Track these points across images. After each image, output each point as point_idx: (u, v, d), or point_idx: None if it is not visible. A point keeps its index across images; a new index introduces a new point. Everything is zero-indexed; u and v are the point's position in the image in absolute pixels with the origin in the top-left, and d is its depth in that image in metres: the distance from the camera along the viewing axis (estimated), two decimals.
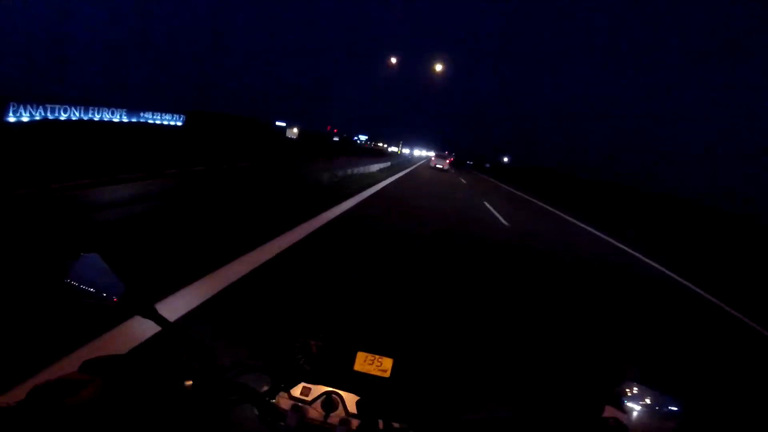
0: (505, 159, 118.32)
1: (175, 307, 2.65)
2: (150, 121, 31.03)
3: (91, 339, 2.09)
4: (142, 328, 2.17)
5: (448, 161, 38.87)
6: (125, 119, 28.48)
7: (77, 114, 23.98)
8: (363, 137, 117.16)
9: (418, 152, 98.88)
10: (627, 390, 0.67)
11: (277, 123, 51.70)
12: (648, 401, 0.65)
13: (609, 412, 0.67)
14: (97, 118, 26.10)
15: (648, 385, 0.67)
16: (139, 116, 29.79)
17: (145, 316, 0.73)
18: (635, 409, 0.65)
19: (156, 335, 2.13)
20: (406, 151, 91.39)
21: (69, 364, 1.83)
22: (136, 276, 0.82)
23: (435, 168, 35.67)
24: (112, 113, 27.65)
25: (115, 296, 0.70)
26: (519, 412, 0.69)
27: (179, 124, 33.80)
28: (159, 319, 0.72)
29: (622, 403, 0.66)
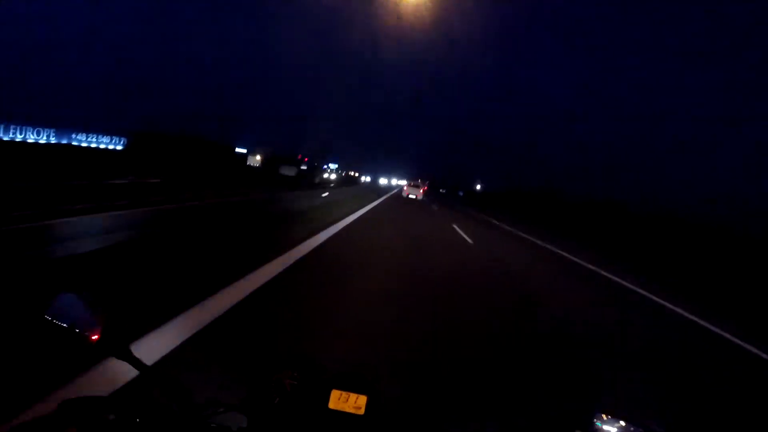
0: (478, 186, 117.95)
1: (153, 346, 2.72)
2: (83, 144, 27.28)
3: (68, 380, 2.11)
4: (121, 369, 2.03)
5: (422, 190, 36.52)
6: (53, 141, 24.74)
7: None
8: (333, 165, 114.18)
9: (384, 181, 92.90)
10: (597, 418, 0.69)
11: (238, 150, 48.12)
12: (617, 429, 0.68)
13: None
14: (19, 138, 22.38)
15: (619, 416, 0.69)
16: (70, 138, 26.06)
17: (120, 358, 0.74)
18: None
19: (134, 378, 2.10)
20: (366, 179, 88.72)
21: (45, 407, 1.39)
22: (112, 317, 0.72)
23: (407, 197, 33.37)
24: (38, 134, 23.91)
25: (92, 335, 0.70)
26: None
27: (119, 148, 30.03)
28: (134, 361, 0.74)
29: (592, 429, 0.68)
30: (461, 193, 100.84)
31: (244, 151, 48.98)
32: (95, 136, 28.60)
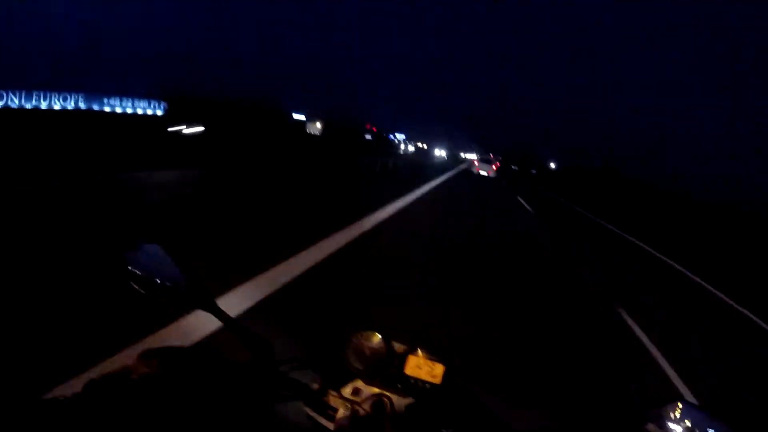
0: (552, 165, 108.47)
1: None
2: (117, 110, 25.72)
3: (150, 333, 2.20)
4: (201, 323, 2.25)
5: (494, 166, 32.93)
6: (82, 106, 23.16)
7: (17, 101, 19.07)
8: (401, 136, 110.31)
9: (441, 154, 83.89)
10: (672, 409, 0.67)
11: (295, 115, 45.76)
12: (693, 422, 0.65)
13: (651, 429, 0.67)
14: (44, 105, 20.86)
15: (697, 406, 0.66)
16: (102, 103, 24.48)
17: (206, 310, 0.75)
18: (678, 429, 0.64)
19: (215, 330, 2.19)
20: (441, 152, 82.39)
21: (129, 357, 1.17)
22: (195, 270, 0.74)
23: (477, 174, 30.80)
24: (65, 99, 21.91)
25: (178, 287, 0.72)
26: (568, 427, 1.01)
27: (159, 113, 28.31)
28: (218, 312, 0.75)
29: (665, 422, 0.66)
30: (534, 171, 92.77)
31: (302, 117, 46.50)
32: (131, 100, 26.80)
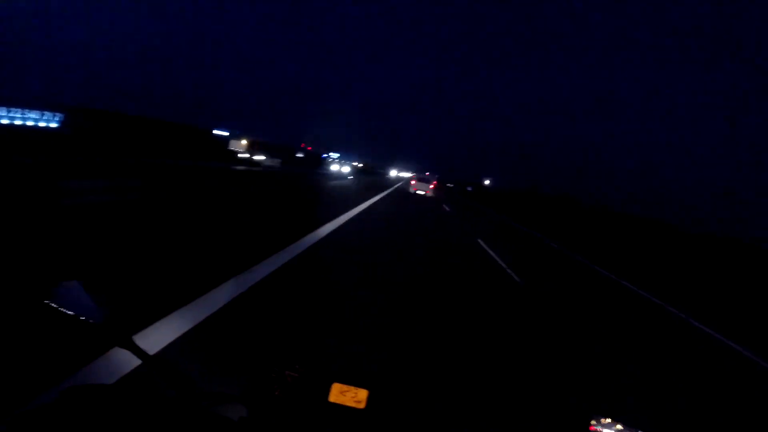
0: (486, 182, 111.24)
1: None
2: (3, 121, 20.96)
3: (73, 371, 2.09)
4: (124, 360, 2.17)
5: (431, 185, 31.21)
6: None
7: None
8: (335, 155, 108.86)
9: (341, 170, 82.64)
10: (594, 420, 0.70)
11: (216, 132, 41.59)
12: (617, 429, 0.69)
13: None
14: None
15: (618, 419, 0.69)
16: None
17: (123, 347, 0.74)
18: None
19: (136, 367, 2.14)
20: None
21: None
22: (114, 307, 1.01)
23: (414, 193, 28.87)
24: None
25: (96, 324, 0.71)
26: None
27: (53, 125, 23.66)
28: (136, 350, 0.74)
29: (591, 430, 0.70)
30: (470, 189, 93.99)
31: (226, 133, 42.35)
32: (19, 111, 22.08)
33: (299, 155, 66.34)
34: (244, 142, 44.22)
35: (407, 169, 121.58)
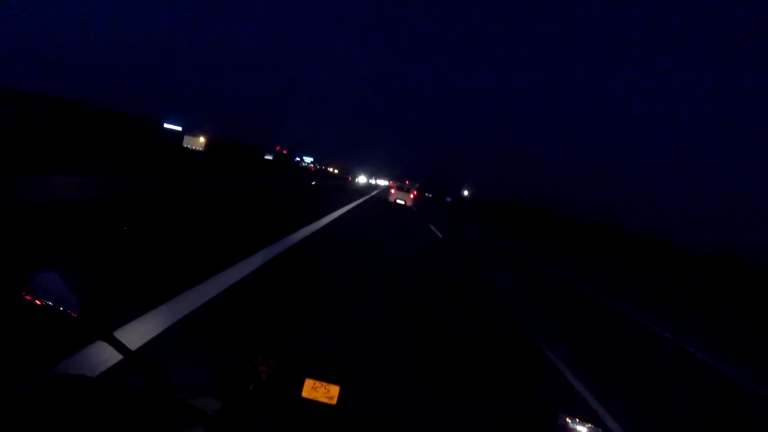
0: (465, 192, 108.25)
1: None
2: None
3: (52, 364, 2.01)
4: (101, 353, 2.11)
5: (411, 194, 29.83)
6: None
7: None
8: (308, 159, 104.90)
9: (363, 180, 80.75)
10: (560, 419, 0.68)
11: (167, 126, 36.38)
12: (588, 427, 0.67)
13: None
14: None
15: (582, 417, 0.69)
16: None
17: (101, 339, 0.73)
18: None
19: (117, 362, 2.07)
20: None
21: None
22: (95, 296, 0.74)
23: (394, 202, 27.74)
24: None
25: (74, 315, 0.69)
26: None
27: None
28: (113, 340, 0.73)
29: (559, 428, 0.67)
30: (449, 199, 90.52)
31: (178, 128, 37.02)
32: None
33: (267, 157, 61.58)
34: (202, 139, 39.28)
35: (384, 177, 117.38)
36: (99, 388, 0.65)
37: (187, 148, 36.02)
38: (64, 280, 0.70)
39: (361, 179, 76.74)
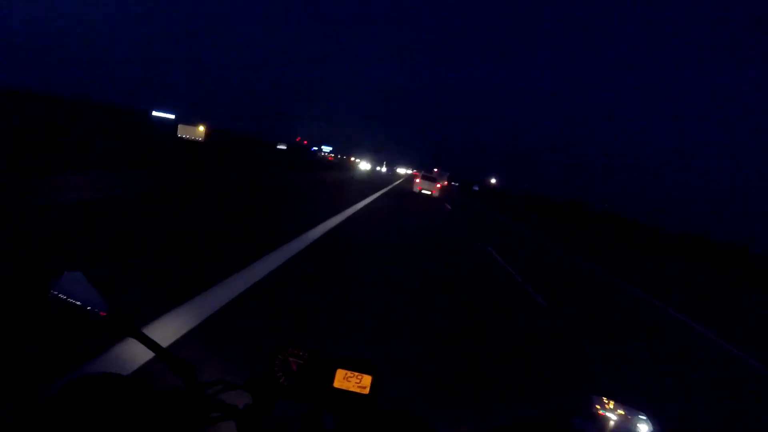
0: (492, 180, 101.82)
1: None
2: None
3: (78, 365, 2.06)
4: (129, 352, 2.18)
5: (438, 185, 28.00)
6: None
7: None
8: (327, 148, 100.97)
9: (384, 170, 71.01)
10: (596, 403, 0.69)
11: (156, 113, 31.85)
12: (618, 414, 0.67)
13: (577, 424, 0.71)
14: None
15: (616, 400, 0.72)
16: None
17: (129, 336, 0.74)
18: (603, 420, 0.67)
19: (145, 362, 2.13)
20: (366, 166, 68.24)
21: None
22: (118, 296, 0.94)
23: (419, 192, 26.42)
24: None
25: (100, 315, 0.70)
26: (498, 429, 0.76)
27: None
28: (142, 337, 0.74)
29: (591, 415, 0.68)
30: (476, 188, 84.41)
31: (170, 116, 32.45)
32: None
33: (281, 147, 57.25)
34: (201, 128, 34.92)
35: (406, 166, 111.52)
36: (129, 386, 0.66)
37: (182, 138, 31.64)
38: (86, 281, 0.71)
39: (363, 166, 61.18)
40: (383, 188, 24.54)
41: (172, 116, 32.07)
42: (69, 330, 0.74)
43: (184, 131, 33.58)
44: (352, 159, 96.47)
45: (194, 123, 35.00)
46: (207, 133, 35.37)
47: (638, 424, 0.66)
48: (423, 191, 26.54)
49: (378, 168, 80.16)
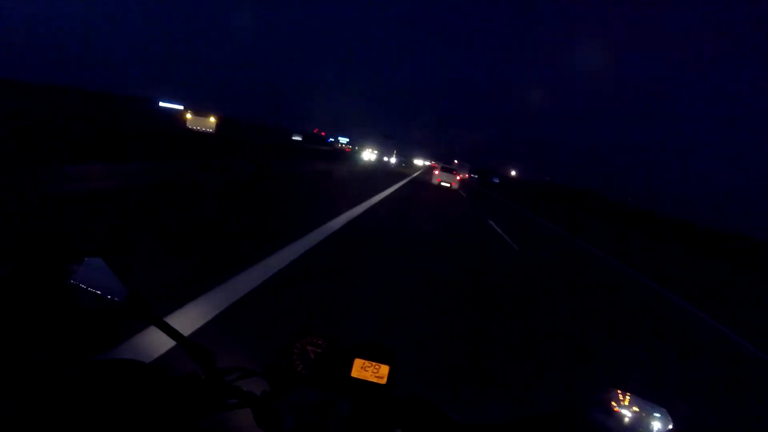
0: (513, 173, 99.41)
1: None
2: None
3: (102, 351, 2.12)
4: (152, 341, 2.21)
5: (458, 177, 28.33)
6: None
7: None
8: (344, 139, 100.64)
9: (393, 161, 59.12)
10: (612, 397, 0.68)
11: (163, 104, 31.20)
12: (634, 409, 0.66)
13: (597, 416, 0.67)
14: None
15: (635, 393, 0.68)
16: None
17: (148, 322, 0.75)
18: (620, 416, 0.65)
19: (166, 351, 2.17)
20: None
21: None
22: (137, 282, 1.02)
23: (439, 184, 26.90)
24: None
25: (120, 301, 0.71)
26: (514, 421, 0.71)
27: None
28: (161, 323, 0.74)
29: (607, 409, 0.67)
30: (496, 180, 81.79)
31: (179, 107, 31.64)
32: None
33: (296, 138, 56.44)
34: (212, 119, 34.07)
35: (425, 157, 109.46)
36: (148, 372, 0.67)
37: (192, 129, 30.89)
38: (107, 268, 0.71)
39: (367, 155, 52.37)
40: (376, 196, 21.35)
41: (180, 107, 31.39)
42: (89, 316, 0.76)
43: (194, 122, 32.84)
44: (341, 144, 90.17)
45: (203, 113, 34.24)
46: (217, 123, 34.57)
47: (655, 421, 0.65)
48: (442, 183, 27.07)
49: (387, 159, 66.03)
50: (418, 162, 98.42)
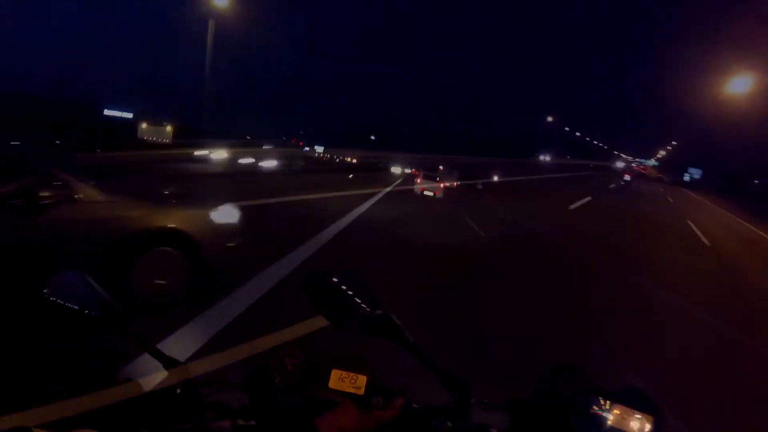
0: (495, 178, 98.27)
1: None
2: None
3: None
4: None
5: (442, 185, 24.44)
6: None
7: None
8: (319, 148, 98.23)
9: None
10: (593, 402, 0.69)
11: (107, 112, 28.29)
12: (615, 413, 0.68)
13: (575, 423, 0.68)
14: None
15: (617, 398, 0.69)
16: None
17: (126, 337, 0.74)
18: (601, 420, 0.67)
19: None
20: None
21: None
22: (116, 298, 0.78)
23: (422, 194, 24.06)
24: None
25: (97, 314, 0.70)
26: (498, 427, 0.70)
27: None
28: (139, 338, 0.74)
29: (591, 414, 0.68)
30: (480, 186, 77.92)
31: (128, 115, 28.67)
32: None
33: (267, 147, 54.01)
34: (168, 128, 31.18)
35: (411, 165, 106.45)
36: (123, 386, 0.66)
37: (144, 140, 27.93)
38: (85, 282, 0.71)
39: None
40: None
41: (129, 115, 28.52)
42: (66, 328, 0.74)
43: (146, 132, 29.85)
44: (349, 159, 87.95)
45: (160, 123, 31.31)
46: (174, 132, 31.64)
47: (635, 423, 0.66)
48: (425, 192, 25.20)
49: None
50: (396, 170, 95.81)
